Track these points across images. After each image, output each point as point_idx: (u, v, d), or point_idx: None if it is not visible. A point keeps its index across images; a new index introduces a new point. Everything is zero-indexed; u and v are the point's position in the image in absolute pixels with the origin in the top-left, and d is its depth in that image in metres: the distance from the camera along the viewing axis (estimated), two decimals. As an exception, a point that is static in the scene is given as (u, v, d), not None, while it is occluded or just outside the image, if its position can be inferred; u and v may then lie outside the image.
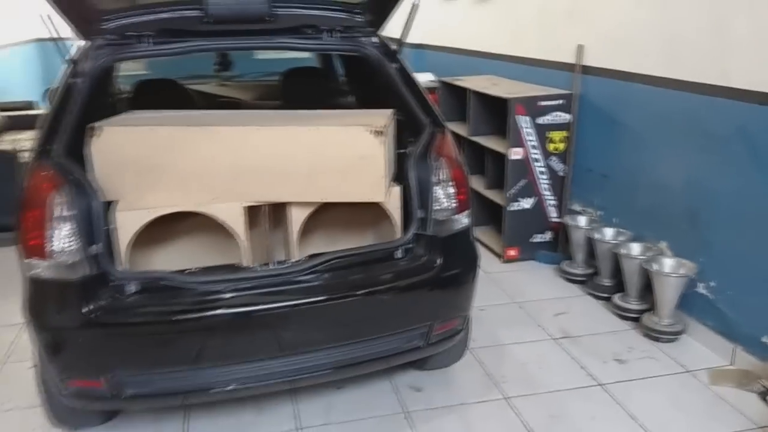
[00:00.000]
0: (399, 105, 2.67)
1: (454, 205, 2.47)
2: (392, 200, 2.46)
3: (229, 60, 4.59)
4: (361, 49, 2.69)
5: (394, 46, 2.76)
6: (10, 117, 5.96)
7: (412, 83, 2.70)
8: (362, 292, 2.31)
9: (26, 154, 4.81)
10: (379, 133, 2.28)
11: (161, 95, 3.26)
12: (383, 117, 2.45)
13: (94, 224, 2.16)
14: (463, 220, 2.52)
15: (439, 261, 2.41)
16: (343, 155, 2.31)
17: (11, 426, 2.68)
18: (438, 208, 2.45)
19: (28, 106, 6.43)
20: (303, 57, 4.77)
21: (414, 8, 2.59)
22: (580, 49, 3.99)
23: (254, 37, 2.62)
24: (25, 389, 2.91)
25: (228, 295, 2.22)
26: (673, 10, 3.21)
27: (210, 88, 4.29)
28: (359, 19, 2.71)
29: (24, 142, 5.27)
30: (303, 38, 2.66)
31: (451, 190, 2.47)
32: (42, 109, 6.44)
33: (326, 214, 2.52)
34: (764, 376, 2.80)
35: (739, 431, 2.55)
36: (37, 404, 2.76)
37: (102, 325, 2.10)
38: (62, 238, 2.11)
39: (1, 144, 5.24)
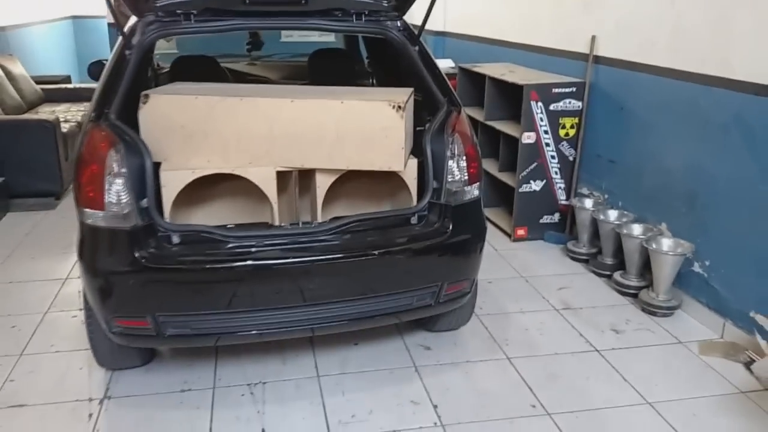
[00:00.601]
0: (419, 85, 2.90)
1: (466, 177, 2.71)
2: (409, 171, 2.70)
3: (260, 40, 4.84)
4: (385, 31, 2.93)
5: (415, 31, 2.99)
6: (45, 90, 6.25)
7: (431, 65, 2.93)
8: (379, 251, 2.55)
9: (67, 125, 5.12)
10: (399, 107, 2.52)
11: (197, 71, 3.51)
12: (403, 94, 2.69)
13: (144, 181, 2.42)
14: (474, 191, 2.75)
15: (450, 227, 2.65)
16: (366, 127, 2.55)
17: (59, 364, 2.96)
18: (451, 179, 2.68)
19: (66, 80, 6.74)
20: (326, 40, 5.04)
21: (435, -4, 2.82)
22: (593, 39, 4.19)
23: (289, 18, 2.86)
24: (69, 334, 3.22)
25: (259, 249, 2.48)
26: (680, 3, 3.41)
27: (240, 66, 4.54)
28: (385, 4, 2.94)
29: (62, 113, 5.56)
30: (333, 20, 2.90)
31: (464, 164, 2.71)
32: (78, 83, 6.75)
33: (347, 183, 2.77)
34: (750, 348, 3.02)
35: (724, 393, 2.78)
36: (80, 348, 3.08)
37: (151, 270, 2.37)
38: (117, 191, 2.37)
39: (40, 115, 5.52)
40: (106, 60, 3.93)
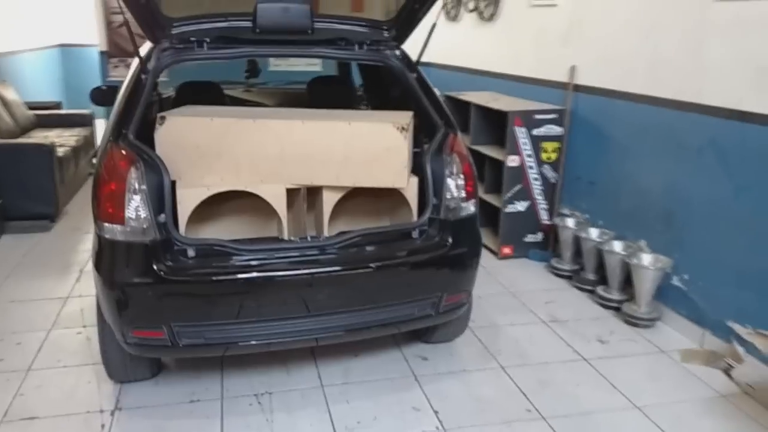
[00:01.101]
0: (416, 109, 3.09)
1: (463, 194, 2.89)
2: (410, 188, 2.88)
3: (257, 68, 5.02)
4: (386, 60, 3.13)
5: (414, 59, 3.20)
6: (38, 116, 6.33)
7: (429, 90, 3.13)
8: (384, 263, 2.71)
9: (61, 149, 5.21)
10: (403, 128, 2.70)
11: (202, 97, 3.66)
12: (405, 117, 2.88)
13: (161, 197, 2.55)
14: (470, 207, 2.94)
15: (450, 240, 2.82)
16: (371, 147, 2.73)
17: (67, 379, 3.04)
18: (450, 196, 2.86)
19: (56, 106, 6.83)
20: (313, 69, 5.24)
21: (433, 27, 3.02)
22: (572, 69, 4.45)
23: (295, 46, 3.04)
24: (75, 350, 3.30)
25: (270, 262, 2.62)
26: (656, 35, 3.67)
27: (237, 93, 4.71)
28: (385, 35, 3.15)
29: (55, 138, 5.65)
30: (336, 49, 3.09)
31: (461, 182, 2.89)
32: (68, 109, 6.83)
33: (351, 199, 2.93)
34: (728, 355, 3.22)
35: (706, 397, 2.96)
36: (87, 362, 3.16)
37: (168, 282, 2.49)
38: (136, 206, 2.49)
39: (34, 139, 5.60)
40: (107, 86, 4.08)
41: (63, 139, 5.75)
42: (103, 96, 3.90)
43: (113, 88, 3.77)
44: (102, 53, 7.23)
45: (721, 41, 3.25)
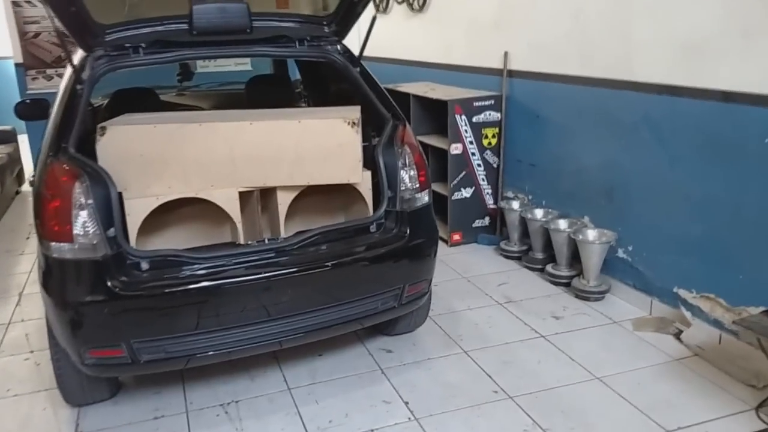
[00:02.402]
0: (363, 103, 3.09)
1: (417, 185, 2.91)
2: (364, 183, 2.87)
3: (190, 71, 4.89)
4: (327, 55, 3.10)
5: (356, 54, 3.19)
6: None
7: (374, 84, 3.13)
8: (345, 260, 2.71)
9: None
10: (354, 123, 2.69)
11: (137, 104, 3.54)
12: (355, 110, 2.87)
13: (109, 210, 2.45)
14: (425, 197, 2.96)
15: (407, 231, 2.84)
16: (324, 144, 2.71)
17: (20, 408, 2.90)
18: (404, 188, 2.88)
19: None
20: (242, 69, 5.15)
21: (373, 20, 3.02)
22: (506, 55, 4.53)
23: (234, 46, 2.98)
24: (25, 377, 3.15)
25: (229, 268, 2.57)
26: (585, 18, 3.79)
27: (171, 97, 4.57)
28: (326, 30, 3.12)
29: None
30: (277, 46, 3.04)
31: (414, 173, 2.91)
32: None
33: (305, 199, 2.90)
34: (677, 320, 3.37)
35: (661, 362, 3.09)
36: (39, 389, 3.02)
37: (124, 297, 2.41)
38: (83, 222, 2.39)
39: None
40: (31, 99, 3.89)
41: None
42: (28, 110, 3.72)
43: (39, 101, 3.61)
44: (17, 65, 6.87)
45: (646, 20, 3.38)
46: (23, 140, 6.50)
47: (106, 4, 3.13)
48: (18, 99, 6.41)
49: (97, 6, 2.67)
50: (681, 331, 3.29)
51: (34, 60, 6.88)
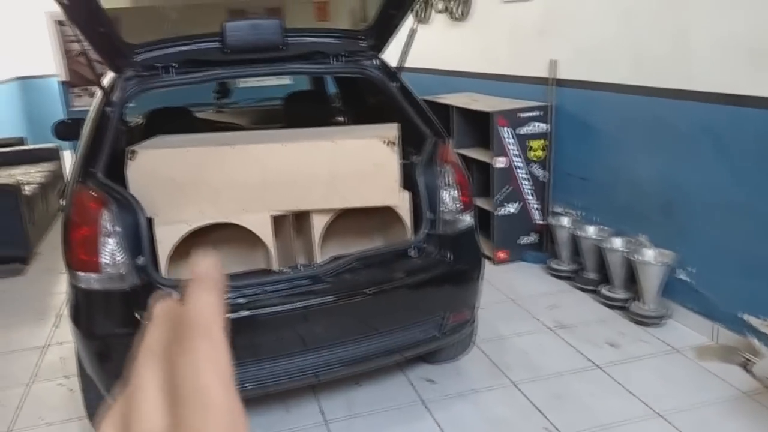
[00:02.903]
0: (402, 119, 2.93)
1: (459, 206, 2.73)
2: (403, 204, 2.71)
3: (228, 88, 4.83)
4: (365, 71, 2.96)
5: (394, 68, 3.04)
6: (0, 154, 6.07)
7: (412, 99, 2.97)
8: (383, 287, 2.55)
9: (28, 187, 4.97)
10: (391, 143, 2.54)
11: (173, 123, 3.47)
12: (392, 129, 2.71)
13: (138, 238, 2.36)
14: (468, 219, 2.78)
15: (450, 256, 2.66)
16: (359, 165, 2.56)
17: (52, 438, 2.82)
18: (445, 209, 2.70)
19: (19, 141, 6.55)
20: (284, 82, 5.07)
21: (412, 33, 2.87)
22: (552, 63, 4.32)
23: (268, 64, 2.86)
24: (58, 404, 3.08)
25: (262, 297, 2.44)
26: (638, 24, 3.56)
27: (209, 114, 4.51)
28: (362, 45, 2.98)
29: (21, 176, 5.40)
30: (312, 63, 2.91)
31: (456, 193, 2.73)
32: (32, 144, 6.57)
33: (340, 221, 2.76)
34: (744, 348, 3.10)
35: (728, 397, 2.83)
36: (72, 417, 2.94)
37: (154, 329, 2.29)
38: (111, 251, 2.30)
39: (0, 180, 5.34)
40: (70, 119, 3.86)
41: (29, 177, 5.49)
42: (67, 130, 3.69)
43: (78, 121, 3.56)
44: (62, 83, 6.97)
45: (705, 24, 3.14)
46: (68, 157, 6.57)
47: (143, 23, 3.08)
48: (62, 116, 6.51)
49: (134, 25, 2.60)
50: (750, 362, 3.02)
51: (77, 77, 6.98)
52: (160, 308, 0.39)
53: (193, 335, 0.35)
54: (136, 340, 0.32)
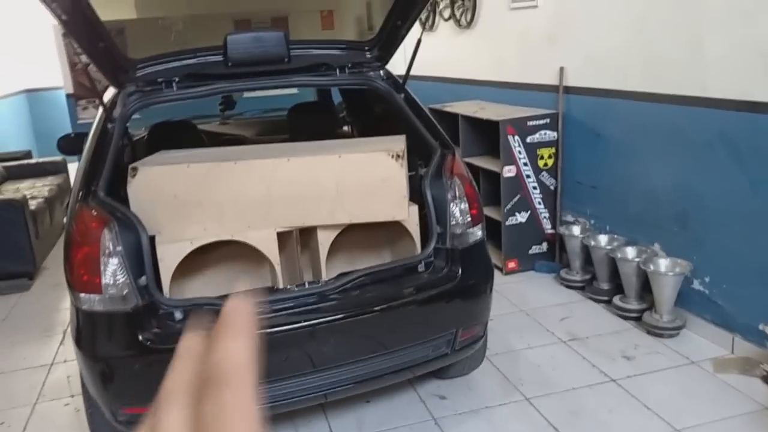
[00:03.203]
0: (408, 131, 2.87)
1: (468, 219, 2.67)
2: (411, 218, 2.65)
3: (233, 100, 4.79)
4: (370, 82, 2.91)
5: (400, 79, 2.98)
6: (6, 167, 6.06)
7: (419, 110, 2.91)
8: (392, 304, 2.48)
9: (34, 201, 4.94)
10: (398, 156, 2.48)
11: (177, 137, 3.43)
12: (399, 142, 2.66)
13: (140, 257, 2.30)
14: (477, 232, 2.71)
15: (459, 271, 2.60)
16: (366, 179, 2.50)
17: (57, 460, 2.77)
18: (454, 223, 2.64)
19: (26, 155, 6.54)
20: (290, 92, 5.03)
21: (419, 43, 2.81)
22: (561, 71, 4.25)
23: (272, 77, 2.82)
24: (64, 424, 3.03)
25: (268, 315, 2.38)
26: (650, 31, 3.49)
27: (213, 127, 4.47)
28: (368, 56, 2.93)
29: (27, 190, 5.37)
30: (317, 75, 2.86)
31: (465, 206, 2.67)
32: (39, 158, 6.56)
33: (347, 236, 2.70)
34: (765, 360, 3.01)
35: (749, 412, 2.74)
36: (78, 439, 2.89)
37: (158, 351, 2.24)
38: (113, 271, 2.25)
39: (4, 194, 5.33)
40: (74, 133, 3.83)
41: (35, 191, 5.47)
42: (71, 144, 3.66)
43: (81, 136, 3.53)
44: (68, 96, 6.96)
45: (719, 29, 3.06)
46: (74, 168, 6.55)
47: (147, 34, 3.04)
48: (69, 129, 6.49)
49: (138, 36, 2.55)
50: (770, 374, 2.93)
51: (83, 90, 6.96)
52: (187, 344, 0.37)
53: (220, 382, 0.33)
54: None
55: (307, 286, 2.52)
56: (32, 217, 4.79)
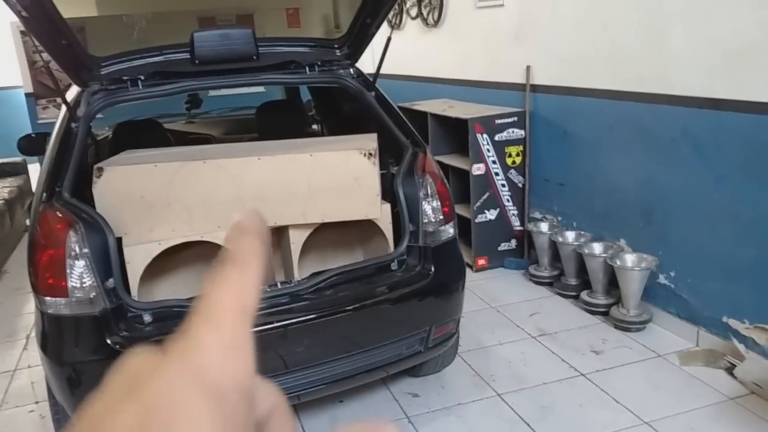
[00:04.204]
0: (379, 129, 2.87)
1: (441, 217, 2.67)
2: (384, 217, 2.64)
3: (199, 98, 4.71)
4: (340, 80, 2.89)
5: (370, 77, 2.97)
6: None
7: (390, 109, 2.91)
8: (365, 303, 2.47)
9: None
10: (371, 154, 2.47)
11: (142, 136, 3.36)
12: (371, 139, 2.65)
13: (107, 259, 2.25)
14: (449, 230, 2.72)
15: (432, 269, 2.60)
16: (338, 177, 2.49)
17: (21, 469, 2.70)
18: (427, 221, 2.64)
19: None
20: (257, 90, 4.99)
21: (388, 41, 2.81)
22: (528, 69, 4.30)
23: (240, 75, 2.78)
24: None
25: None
26: (614, 29, 3.54)
27: (179, 126, 4.39)
28: (338, 53, 2.91)
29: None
30: (286, 73, 2.84)
31: (437, 204, 2.68)
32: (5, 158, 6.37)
33: (319, 235, 2.68)
34: (728, 353, 3.08)
35: (714, 402, 2.81)
36: (43, 447, 2.81)
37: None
38: (79, 274, 2.19)
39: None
40: (35, 134, 3.73)
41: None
42: (32, 145, 3.57)
43: (43, 136, 3.44)
44: (28, 95, 6.78)
45: (682, 28, 3.13)
46: (34, 170, 6.38)
47: (110, 32, 2.97)
48: (29, 129, 6.31)
49: (100, 34, 2.49)
50: (734, 366, 3.01)
51: (43, 89, 6.79)
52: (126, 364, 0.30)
53: (229, 262, 0.31)
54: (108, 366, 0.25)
55: (279, 286, 2.50)
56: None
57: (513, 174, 4.42)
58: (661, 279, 3.46)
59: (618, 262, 3.51)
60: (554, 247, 4.06)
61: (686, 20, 3.10)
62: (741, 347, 3.02)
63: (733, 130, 2.94)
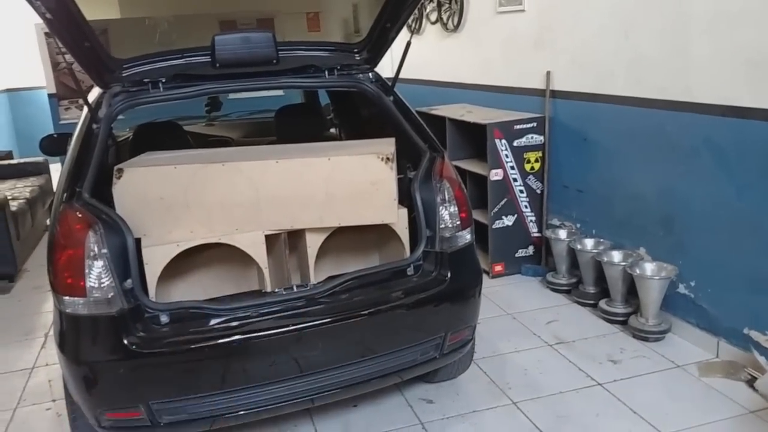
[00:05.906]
0: (397, 134, 2.86)
1: (458, 222, 2.66)
2: (401, 221, 2.64)
3: (219, 101, 4.75)
4: (359, 84, 2.89)
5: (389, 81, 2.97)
6: (-13, 168, 5.95)
7: (408, 113, 2.90)
8: (380, 308, 2.47)
9: (15, 202, 4.86)
10: (388, 159, 2.47)
11: (163, 138, 3.39)
12: (389, 144, 2.64)
13: (126, 260, 2.27)
14: (467, 236, 2.70)
15: (448, 274, 2.59)
16: (355, 182, 2.49)
17: (38, 467, 2.72)
18: (444, 226, 2.63)
19: (7, 155, 6.45)
20: (277, 94, 5.01)
21: (408, 45, 2.81)
22: (548, 75, 4.27)
23: (260, 78, 2.79)
24: (45, 430, 2.97)
25: (256, 320, 2.35)
26: (636, 35, 3.51)
27: (199, 128, 4.43)
28: (357, 58, 2.92)
29: (8, 191, 5.29)
30: (305, 77, 2.84)
31: (455, 209, 2.66)
32: (20, 158, 6.46)
33: (335, 239, 2.68)
34: (749, 364, 3.03)
35: (734, 415, 2.76)
36: (60, 444, 2.84)
37: (142, 356, 2.21)
38: (98, 274, 2.21)
39: (-15, 195, 5.23)
40: (57, 134, 3.77)
41: (17, 191, 5.39)
42: (54, 145, 3.60)
43: (65, 136, 3.47)
44: (51, 96, 6.87)
45: (706, 36, 3.09)
46: (56, 170, 6.46)
47: (132, 34, 3.00)
48: (52, 129, 6.39)
49: (122, 36, 2.52)
50: (754, 378, 2.96)
51: (66, 90, 6.88)
52: None
53: None
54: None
55: (295, 289, 2.50)
56: (13, 218, 4.71)
57: (531, 180, 4.40)
58: (681, 288, 3.42)
59: (637, 271, 3.47)
60: (572, 254, 4.02)
61: (709, 27, 3.06)
62: (762, 359, 2.97)
63: (757, 138, 2.90)
